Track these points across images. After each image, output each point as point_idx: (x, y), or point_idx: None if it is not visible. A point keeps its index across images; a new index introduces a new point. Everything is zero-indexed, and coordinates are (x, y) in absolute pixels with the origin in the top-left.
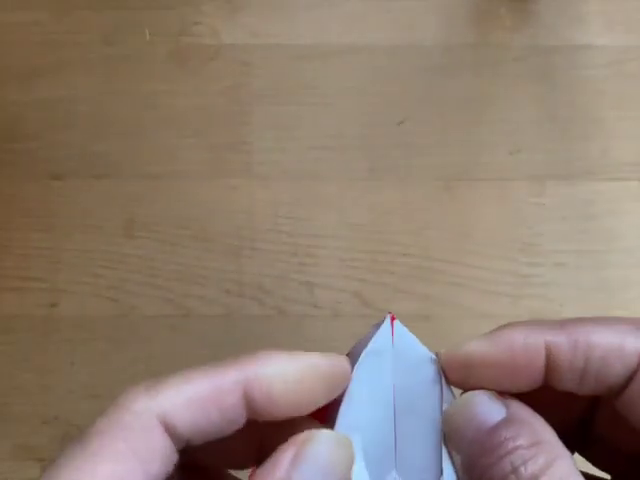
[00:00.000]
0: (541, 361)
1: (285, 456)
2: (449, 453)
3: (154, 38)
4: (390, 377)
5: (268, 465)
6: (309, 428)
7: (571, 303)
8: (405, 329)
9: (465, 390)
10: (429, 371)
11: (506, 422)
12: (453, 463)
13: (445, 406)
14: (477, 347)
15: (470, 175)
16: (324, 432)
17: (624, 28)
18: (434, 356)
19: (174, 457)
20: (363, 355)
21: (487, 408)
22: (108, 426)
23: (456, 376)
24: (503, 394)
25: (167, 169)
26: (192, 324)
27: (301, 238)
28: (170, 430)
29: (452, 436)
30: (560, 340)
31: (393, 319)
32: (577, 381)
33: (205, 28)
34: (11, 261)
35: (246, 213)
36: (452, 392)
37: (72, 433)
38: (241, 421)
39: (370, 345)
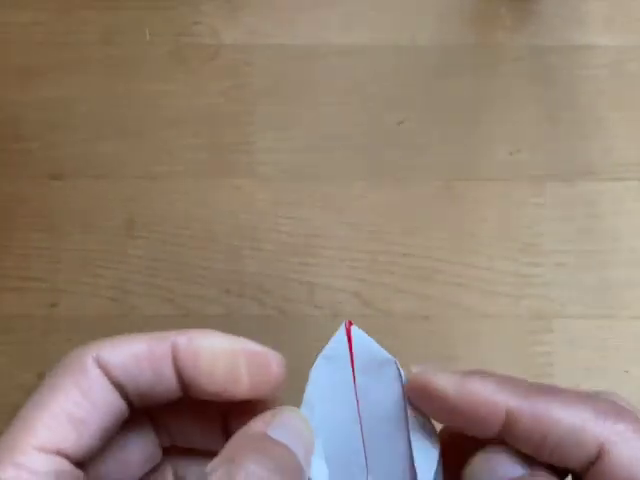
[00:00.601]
0: (499, 422)
1: (259, 419)
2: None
3: (154, 38)
4: (350, 381)
5: (245, 427)
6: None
7: (571, 303)
8: (363, 333)
9: (426, 413)
10: (390, 373)
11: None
12: (429, 464)
13: (410, 410)
14: (445, 384)
15: (470, 175)
16: (287, 407)
17: (624, 28)
18: (393, 358)
19: (117, 399)
20: (319, 358)
21: (507, 467)
22: (53, 372)
23: (418, 400)
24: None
25: (167, 169)
26: (192, 324)
27: (301, 238)
28: (105, 370)
29: None
30: (521, 410)
31: (350, 324)
32: (533, 451)
33: (205, 28)
34: (11, 261)
35: (246, 213)
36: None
37: None
38: (172, 385)
39: (325, 350)
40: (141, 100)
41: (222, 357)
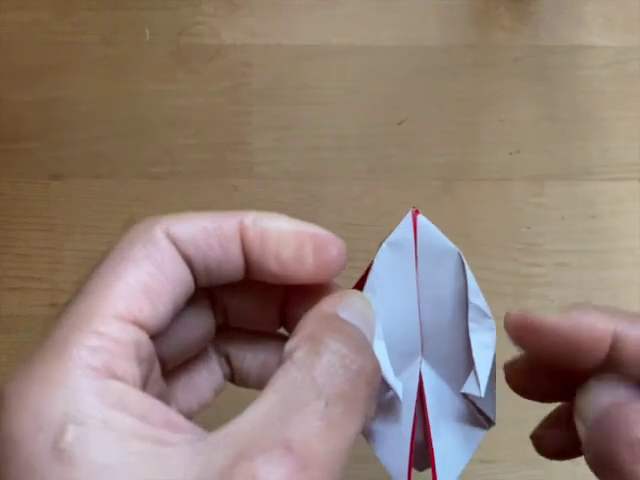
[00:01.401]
0: (605, 347)
1: (328, 300)
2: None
3: (154, 38)
4: (413, 267)
5: (315, 308)
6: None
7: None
8: (428, 222)
9: (524, 349)
10: (452, 263)
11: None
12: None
13: (472, 298)
14: (549, 317)
15: (470, 175)
16: (353, 291)
17: (624, 28)
18: (457, 249)
19: (186, 272)
20: (384, 246)
21: (619, 388)
22: (121, 244)
23: (522, 337)
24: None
25: (167, 169)
26: None
27: None
28: (175, 242)
29: (580, 407)
30: (628, 333)
31: (417, 212)
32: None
33: (205, 28)
34: (11, 261)
35: None
36: (477, 285)
37: None
38: (239, 264)
39: (390, 237)
40: (141, 100)
41: (289, 238)
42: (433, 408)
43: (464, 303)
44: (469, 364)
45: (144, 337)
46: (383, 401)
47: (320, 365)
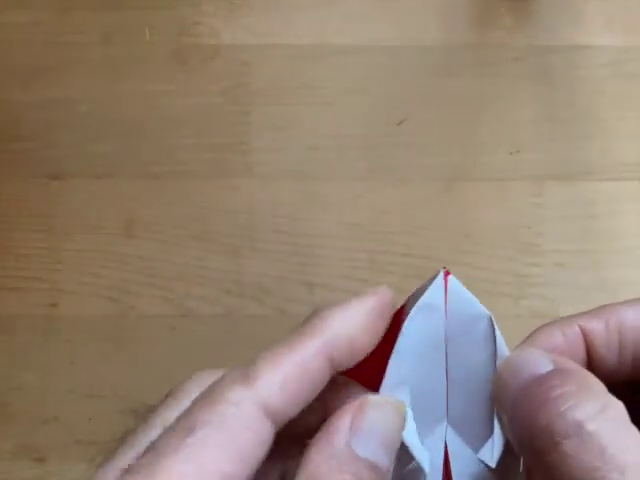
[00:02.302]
0: (582, 348)
1: (343, 424)
2: (497, 413)
3: (154, 38)
4: (442, 332)
5: (325, 434)
6: (357, 393)
7: (571, 303)
8: (459, 284)
9: None
10: (483, 327)
11: (554, 372)
12: (500, 423)
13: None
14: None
15: (470, 175)
16: (378, 398)
17: (624, 28)
18: (489, 313)
19: (271, 439)
20: (414, 309)
21: (534, 361)
22: (210, 416)
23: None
24: (552, 354)
25: (167, 169)
26: (192, 324)
27: (301, 238)
28: (271, 416)
29: (498, 393)
30: (593, 324)
31: (447, 274)
32: (615, 361)
33: (205, 28)
34: (11, 261)
35: (246, 213)
36: (507, 350)
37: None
38: (325, 382)
39: (422, 300)
40: (141, 100)
41: (366, 332)
42: (459, 478)
43: (492, 370)
44: (490, 430)
45: None
46: (406, 472)
47: None
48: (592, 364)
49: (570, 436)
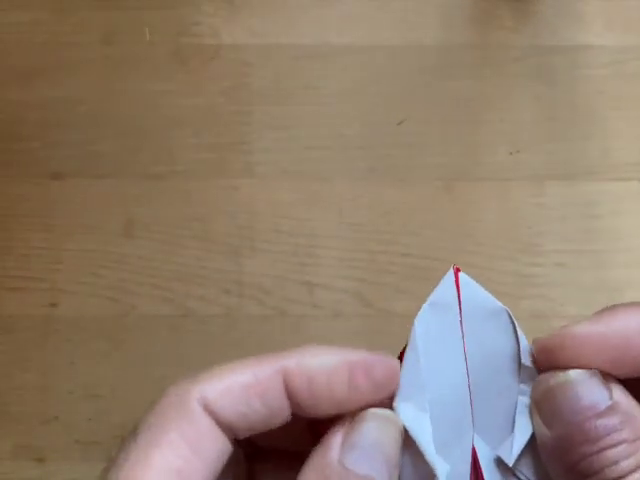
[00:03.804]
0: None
1: (335, 440)
2: (532, 421)
3: (154, 38)
4: (458, 330)
5: (318, 451)
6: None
7: (572, 303)
8: (471, 280)
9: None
10: (501, 322)
11: (611, 411)
12: (533, 428)
13: (524, 359)
14: (586, 329)
15: (470, 175)
16: (370, 412)
17: (624, 28)
18: (505, 307)
19: (225, 443)
20: (424, 307)
21: (592, 392)
22: (155, 417)
23: (559, 359)
24: (606, 376)
25: (167, 169)
26: (192, 324)
27: (301, 238)
28: (213, 415)
29: (547, 411)
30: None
31: (458, 270)
32: None
33: (205, 28)
34: (11, 261)
35: (246, 213)
36: (528, 344)
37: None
38: (285, 414)
39: (431, 297)
40: (141, 100)
41: (338, 376)
42: None
43: (515, 365)
44: (512, 426)
45: None
46: None
47: None
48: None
49: None
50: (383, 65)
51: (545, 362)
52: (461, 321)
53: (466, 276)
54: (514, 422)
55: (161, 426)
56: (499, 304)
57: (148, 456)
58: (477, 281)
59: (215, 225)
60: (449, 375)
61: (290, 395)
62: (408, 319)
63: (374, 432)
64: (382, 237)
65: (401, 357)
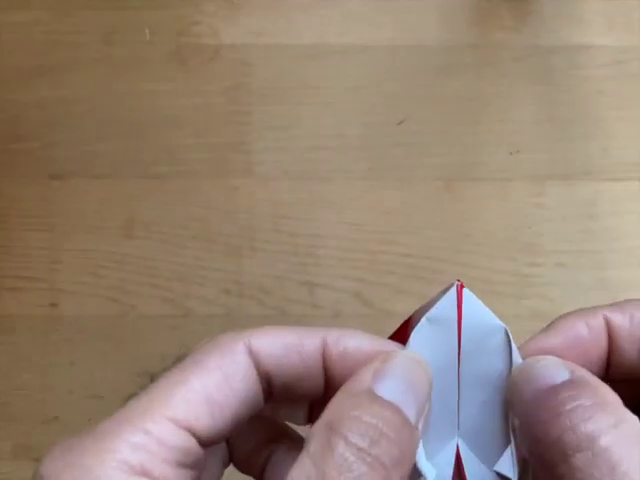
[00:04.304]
0: (605, 340)
1: (367, 369)
2: (511, 420)
3: (154, 38)
4: (455, 345)
5: (351, 379)
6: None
7: (571, 303)
8: (474, 297)
9: None
10: (498, 340)
11: (569, 383)
12: (514, 431)
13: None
14: (543, 342)
15: (470, 175)
16: (401, 351)
17: (624, 28)
18: (504, 325)
19: (258, 388)
20: (423, 321)
21: (550, 370)
22: (201, 354)
23: None
24: (569, 363)
25: (167, 169)
26: (192, 324)
27: (301, 238)
28: (254, 358)
29: (512, 399)
30: (618, 317)
31: (462, 286)
32: (637, 356)
33: (205, 28)
34: (11, 261)
35: (246, 213)
36: (521, 361)
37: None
38: (319, 380)
39: (431, 312)
40: (141, 100)
41: (368, 357)
42: None
43: (506, 379)
44: (506, 442)
45: (195, 445)
46: None
47: (333, 460)
48: (613, 357)
49: (581, 450)
50: (383, 65)
51: None
52: (459, 337)
53: (469, 292)
54: (508, 437)
55: (205, 360)
56: (499, 322)
57: (186, 380)
58: (477, 281)
59: (215, 225)
60: (440, 386)
61: (325, 365)
62: None
63: (404, 367)
64: (382, 237)
65: (403, 327)
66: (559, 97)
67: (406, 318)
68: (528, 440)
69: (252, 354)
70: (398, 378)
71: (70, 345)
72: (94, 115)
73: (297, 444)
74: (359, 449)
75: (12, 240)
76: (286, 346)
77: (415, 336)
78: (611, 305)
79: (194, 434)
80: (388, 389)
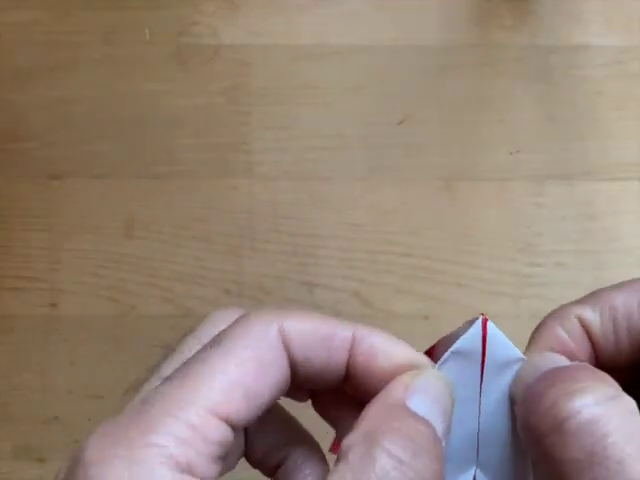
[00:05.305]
0: (587, 341)
1: (400, 383)
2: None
3: (154, 38)
4: (477, 378)
5: (384, 392)
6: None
7: None
8: (498, 331)
9: None
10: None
11: (569, 366)
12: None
13: None
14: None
15: (470, 175)
16: (432, 369)
17: (624, 28)
18: (524, 357)
19: (287, 374)
20: (448, 354)
21: (551, 359)
22: (240, 334)
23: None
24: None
25: (167, 169)
26: (192, 324)
27: (301, 238)
28: (287, 348)
29: (515, 389)
30: (588, 314)
31: (486, 320)
32: (613, 348)
33: (205, 28)
34: (11, 261)
35: (246, 213)
36: None
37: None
38: (339, 378)
39: (457, 345)
40: (141, 100)
41: (394, 366)
42: None
43: None
44: (526, 475)
45: (231, 435)
46: None
47: (374, 472)
48: (594, 355)
49: (574, 416)
50: (383, 65)
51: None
52: (482, 369)
53: (494, 326)
54: (527, 474)
55: (240, 342)
56: (519, 353)
57: (225, 369)
58: (477, 281)
59: (215, 225)
60: (461, 416)
61: (350, 361)
62: (408, 319)
63: (435, 385)
64: (382, 237)
65: (428, 354)
66: (559, 97)
67: (432, 344)
68: (524, 416)
69: (285, 341)
70: (428, 393)
71: (70, 345)
72: (94, 115)
73: (314, 451)
74: (401, 462)
75: (12, 240)
76: (318, 338)
77: (440, 368)
78: (579, 301)
79: (233, 425)
80: (420, 404)
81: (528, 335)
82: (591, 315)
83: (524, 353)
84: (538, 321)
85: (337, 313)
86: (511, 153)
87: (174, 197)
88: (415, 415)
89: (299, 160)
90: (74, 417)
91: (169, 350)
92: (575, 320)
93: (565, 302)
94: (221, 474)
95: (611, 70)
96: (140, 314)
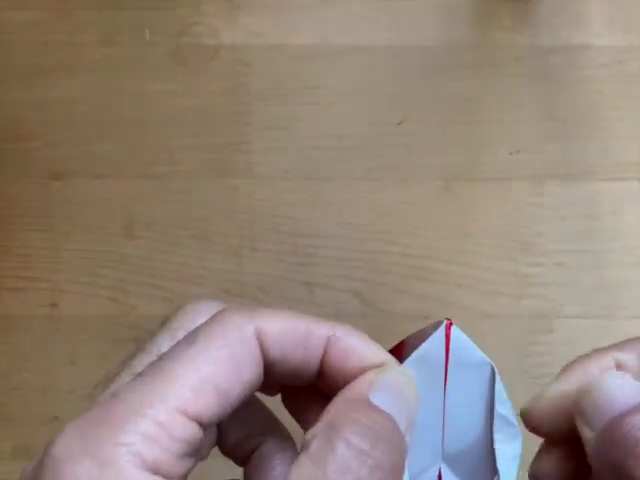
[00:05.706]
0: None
1: (363, 379)
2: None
3: (154, 38)
4: (441, 379)
5: (349, 386)
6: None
7: (571, 303)
8: (462, 334)
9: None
10: (484, 375)
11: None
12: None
13: (499, 407)
14: (560, 388)
15: (470, 175)
16: (397, 367)
17: (624, 28)
18: (490, 361)
19: (261, 372)
20: (410, 360)
21: (625, 389)
22: (215, 332)
23: (550, 423)
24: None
25: (167, 169)
26: None
27: (301, 238)
28: (263, 346)
29: (588, 412)
30: (626, 356)
31: (450, 325)
32: None
33: (205, 28)
34: (11, 261)
35: (246, 213)
36: (505, 395)
37: None
38: (311, 377)
39: (419, 351)
40: (141, 100)
41: (366, 366)
42: None
43: (490, 412)
44: (492, 473)
45: (200, 433)
46: None
47: (334, 461)
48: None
49: None
50: (383, 65)
51: (531, 429)
52: (446, 372)
53: (458, 330)
54: (493, 466)
55: (214, 345)
56: (485, 357)
57: (197, 367)
58: (477, 281)
59: (215, 225)
60: (425, 416)
61: (324, 360)
62: (408, 319)
63: (398, 381)
64: (382, 237)
65: (393, 352)
66: (559, 97)
67: (400, 340)
68: (608, 453)
69: (261, 341)
70: (391, 389)
71: (70, 345)
72: (94, 115)
73: (286, 441)
74: (360, 451)
75: (12, 240)
76: (294, 337)
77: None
78: (619, 344)
79: (201, 423)
80: (384, 400)
81: (528, 335)
82: (629, 357)
83: (556, 382)
84: (538, 321)
85: (337, 313)
86: (511, 153)
87: (174, 197)
88: (376, 408)
89: (299, 160)
90: (74, 417)
91: (141, 344)
92: (611, 360)
93: (565, 302)
94: (191, 468)
95: (611, 70)
96: (140, 314)
